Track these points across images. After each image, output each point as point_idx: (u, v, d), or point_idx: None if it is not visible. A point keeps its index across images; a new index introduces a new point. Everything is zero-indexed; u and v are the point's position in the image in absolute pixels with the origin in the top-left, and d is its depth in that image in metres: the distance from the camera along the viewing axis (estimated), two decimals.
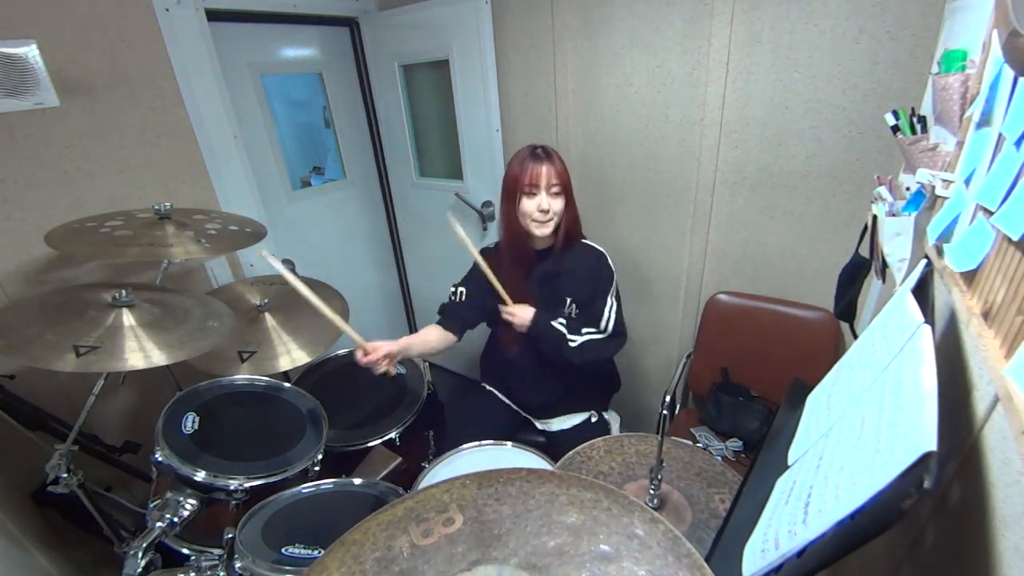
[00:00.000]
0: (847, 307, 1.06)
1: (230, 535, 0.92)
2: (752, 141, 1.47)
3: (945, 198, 0.69)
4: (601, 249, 1.41)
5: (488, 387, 1.59)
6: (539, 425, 1.52)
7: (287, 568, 0.86)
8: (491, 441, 1.24)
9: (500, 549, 0.50)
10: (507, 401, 1.55)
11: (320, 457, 1.14)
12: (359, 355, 1.20)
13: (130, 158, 1.49)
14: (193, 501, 1.02)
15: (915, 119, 0.83)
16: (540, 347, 1.35)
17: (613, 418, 1.57)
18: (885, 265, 0.84)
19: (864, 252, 1.00)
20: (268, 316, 1.39)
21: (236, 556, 0.89)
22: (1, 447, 1.28)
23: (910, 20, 1.15)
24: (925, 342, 0.46)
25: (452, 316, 1.41)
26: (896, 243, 0.79)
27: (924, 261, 0.64)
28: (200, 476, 1.01)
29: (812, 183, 1.42)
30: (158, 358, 0.95)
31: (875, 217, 0.90)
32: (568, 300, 1.39)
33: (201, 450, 1.05)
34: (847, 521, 0.37)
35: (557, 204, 1.31)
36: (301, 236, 2.19)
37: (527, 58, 1.77)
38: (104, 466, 1.44)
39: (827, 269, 1.46)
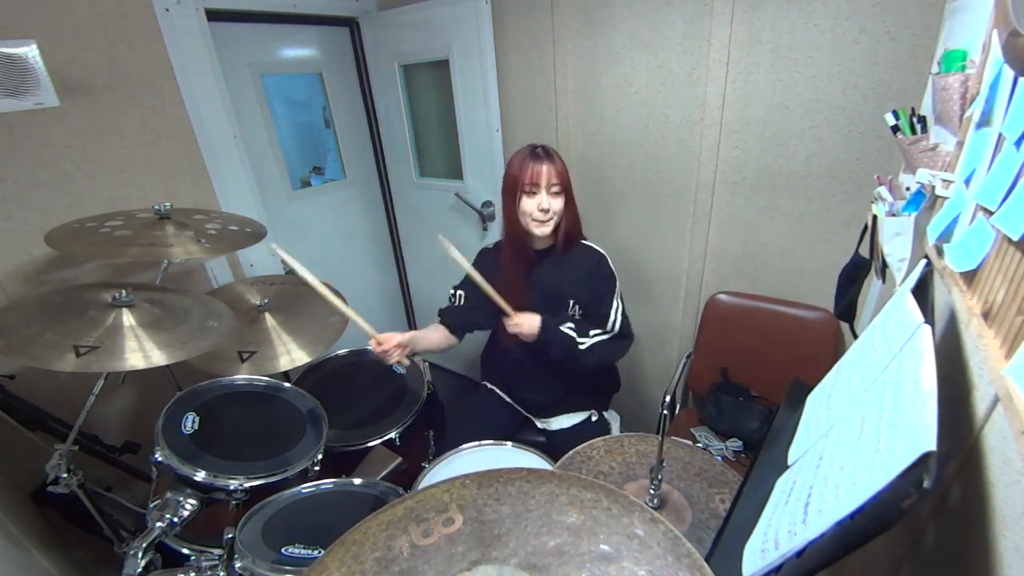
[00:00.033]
0: (847, 307, 1.06)
1: (230, 535, 0.92)
2: (752, 141, 1.47)
3: (945, 198, 0.69)
4: (602, 251, 1.41)
5: (489, 385, 1.59)
6: (539, 424, 1.52)
7: (287, 568, 0.86)
8: (491, 441, 1.24)
9: (500, 549, 0.50)
10: (508, 400, 1.55)
11: (320, 457, 1.14)
12: (372, 344, 1.24)
13: (130, 158, 1.49)
14: (193, 501, 1.02)
15: (915, 119, 0.83)
16: (551, 352, 1.33)
17: (613, 418, 1.57)
18: (885, 265, 0.84)
19: (864, 252, 1.00)
20: (268, 316, 1.40)
21: (236, 556, 0.89)
22: (1, 447, 1.28)
23: (910, 20, 1.15)
24: (925, 342, 0.46)
25: (453, 319, 1.42)
26: (896, 243, 0.79)
27: (924, 261, 0.64)
28: (200, 476, 1.01)
29: (812, 183, 1.42)
30: (158, 358, 0.95)
31: (875, 217, 0.90)
32: (571, 302, 1.39)
33: (201, 450, 1.05)
34: (847, 521, 0.37)
35: (557, 203, 1.31)
36: (301, 236, 2.19)
37: (527, 58, 1.77)
38: (104, 466, 1.44)
39: (827, 269, 1.46)
